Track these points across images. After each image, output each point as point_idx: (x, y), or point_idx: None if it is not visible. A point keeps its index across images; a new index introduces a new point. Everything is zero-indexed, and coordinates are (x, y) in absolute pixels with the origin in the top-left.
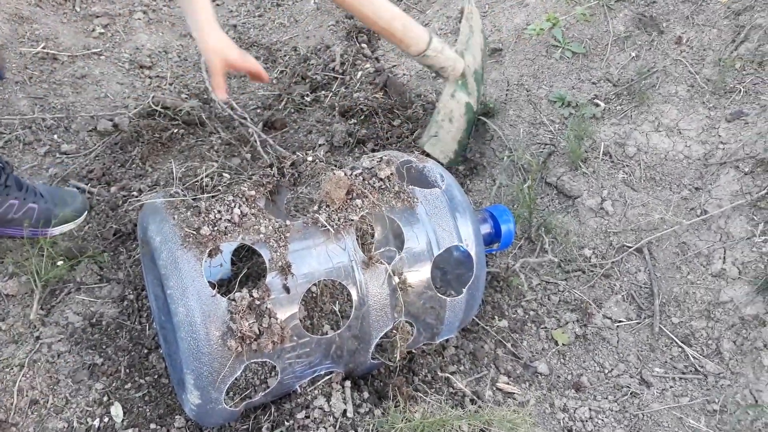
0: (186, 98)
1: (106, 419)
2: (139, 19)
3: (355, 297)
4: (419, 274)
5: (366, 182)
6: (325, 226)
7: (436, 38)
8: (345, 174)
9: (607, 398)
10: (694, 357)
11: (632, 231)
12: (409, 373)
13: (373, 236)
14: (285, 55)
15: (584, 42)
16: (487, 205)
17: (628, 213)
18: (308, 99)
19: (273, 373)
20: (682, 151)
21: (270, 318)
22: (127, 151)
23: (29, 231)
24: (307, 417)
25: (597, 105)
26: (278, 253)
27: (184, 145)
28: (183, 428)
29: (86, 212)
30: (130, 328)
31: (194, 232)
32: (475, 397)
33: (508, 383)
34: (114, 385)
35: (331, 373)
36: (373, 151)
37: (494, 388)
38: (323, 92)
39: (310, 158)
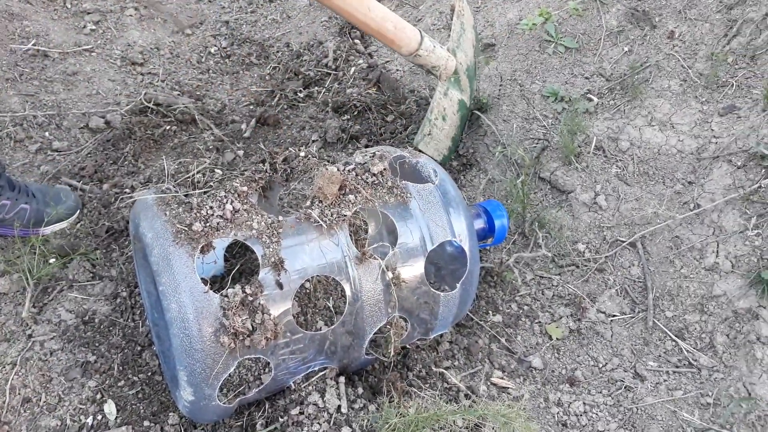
0: (178, 95)
1: (99, 417)
2: (131, 15)
3: (348, 292)
4: (413, 270)
5: (359, 177)
6: (318, 222)
7: (427, 37)
8: (338, 169)
9: (601, 392)
10: (687, 351)
11: (626, 225)
12: (403, 369)
13: (366, 231)
14: (278, 51)
15: (577, 37)
16: (480, 200)
17: (622, 207)
18: (301, 95)
19: (266, 369)
20: (675, 146)
21: (263, 314)
22: (119, 148)
23: (20, 231)
24: (302, 413)
25: (590, 100)
26: (271, 249)
27: (176, 142)
28: (177, 425)
29: (79, 210)
30: (123, 325)
31: (186, 229)
32: (469, 392)
33: (502, 378)
34: (107, 382)
35: (325, 368)
36: (367, 146)
37: (489, 383)
38: (316, 88)
39: (302, 153)
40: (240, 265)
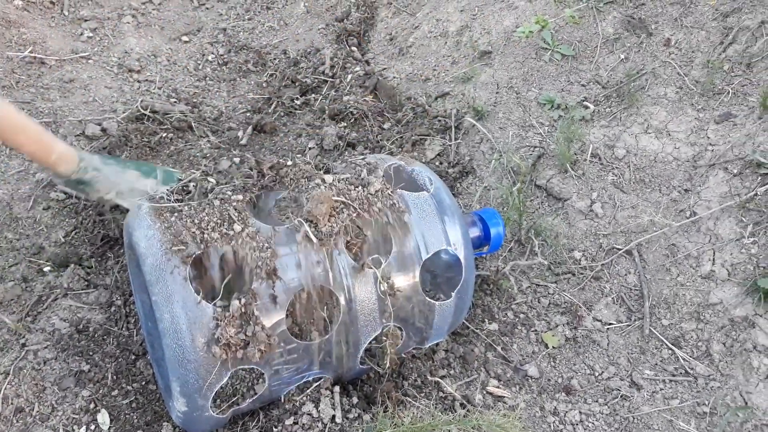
0: (175, 102)
1: (92, 427)
2: (128, 22)
3: (342, 302)
4: (408, 279)
5: (353, 188)
6: (310, 238)
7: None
8: (332, 183)
9: (597, 401)
10: (684, 359)
11: (622, 233)
12: (398, 378)
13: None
14: (275, 59)
15: (573, 44)
16: (476, 207)
17: (618, 215)
18: (298, 102)
19: (260, 380)
20: (671, 153)
21: (256, 325)
22: (115, 155)
23: None
24: (296, 423)
25: (586, 107)
26: (264, 259)
27: (173, 150)
28: None
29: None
30: (118, 334)
31: (179, 238)
32: (465, 401)
33: (498, 387)
34: (101, 392)
35: (319, 378)
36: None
37: (484, 392)
38: (313, 95)
39: (289, 162)
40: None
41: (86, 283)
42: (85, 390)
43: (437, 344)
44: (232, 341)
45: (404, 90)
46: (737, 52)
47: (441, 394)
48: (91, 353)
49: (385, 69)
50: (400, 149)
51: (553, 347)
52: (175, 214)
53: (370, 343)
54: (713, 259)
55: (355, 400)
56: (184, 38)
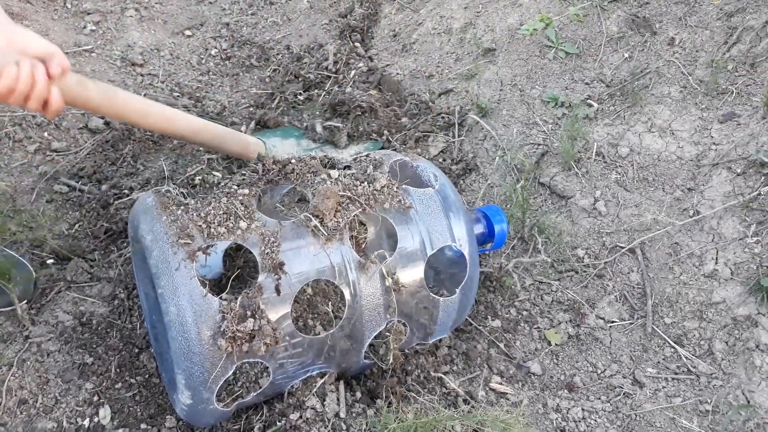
0: (178, 97)
1: (96, 419)
2: (131, 16)
3: (347, 297)
4: (412, 274)
5: (359, 183)
6: (318, 231)
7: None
8: (338, 178)
9: (599, 398)
10: (686, 357)
11: (625, 231)
12: (402, 373)
13: (366, 235)
14: (278, 54)
15: (577, 42)
16: (480, 204)
17: (621, 213)
18: (301, 97)
19: (265, 374)
20: (675, 152)
21: (262, 319)
22: (119, 149)
23: None
24: (300, 417)
25: (590, 105)
26: (270, 253)
27: (175, 144)
28: (174, 428)
29: (26, 300)
30: (121, 327)
31: (186, 231)
32: (468, 398)
33: (501, 383)
34: (104, 384)
35: (324, 373)
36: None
37: (487, 388)
38: (316, 91)
39: (293, 159)
40: (239, 268)
41: (90, 276)
42: (89, 383)
43: (440, 340)
44: (238, 334)
45: (408, 86)
46: (741, 52)
47: (444, 390)
48: (94, 346)
49: (388, 65)
50: (403, 146)
51: (555, 344)
52: (182, 207)
53: (375, 338)
54: (716, 258)
55: (358, 395)
56: (187, 32)
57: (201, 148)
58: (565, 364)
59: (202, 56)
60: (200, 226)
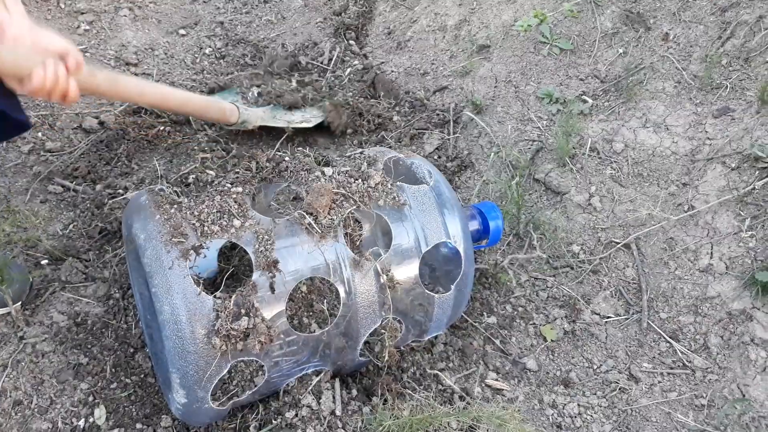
0: None
1: (91, 420)
2: (125, 15)
3: (342, 294)
4: (407, 271)
5: (353, 180)
6: (312, 227)
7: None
8: (332, 175)
9: (595, 394)
10: (682, 352)
11: (620, 227)
12: (397, 371)
13: (360, 233)
14: (273, 52)
15: (572, 38)
16: (475, 201)
17: (616, 209)
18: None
19: (260, 372)
20: (670, 147)
21: (256, 317)
22: (113, 148)
23: None
24: (296, 415)
25: (585, 101)
26: (265, 250)
27: (170, 143)
28: (170, 428)
29: (20, 301)
30: (116, 327)
31: (179, 230)
32: (463, 394)
33: (496, 380)
34: (99, 384)
35: (319, 371)
36: (361, 144)
37: (483, 385)
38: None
39: (287, 158)
40: (233, 266)
41: (84, 276)
42: (84, 383)
43: (436, 337)
44: (232, 333)
45: (402, 84)
46: (735, 47)
47: (440, 386)
48: (89, 346)
49: (383, 63)
50: (398, 143)
51: (551, 340)
52: (175, 206)
53: (370, 335)
54: (711, 253)
55: (354, 392)
56: (182, 31)
57: (196, 148)
58: (561, 359)
59: (196, 55)
60: (194, 224)
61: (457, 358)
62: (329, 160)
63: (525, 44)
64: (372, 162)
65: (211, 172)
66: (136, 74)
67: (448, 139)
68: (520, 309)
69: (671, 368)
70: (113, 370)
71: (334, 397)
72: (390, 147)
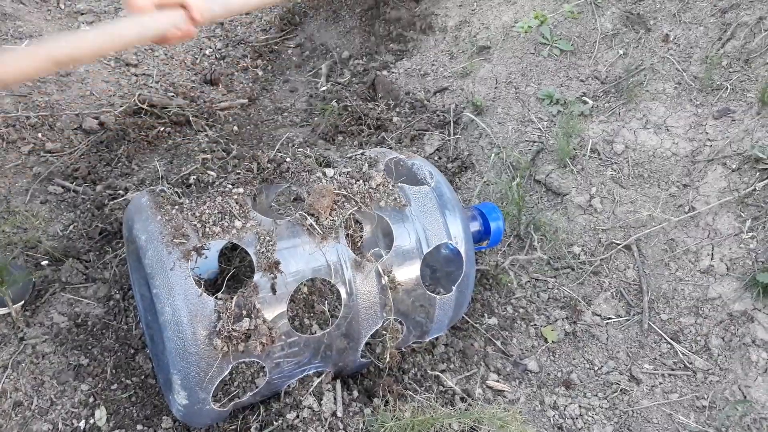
0: (173, 96)
1: (91, 421)
2: (125, 16)
3: (344, 295)
4: (409, 272)
5: (354, 181)
6: (314, 229)
7: None
8: (333, 176)
9: (596, 395)
10: (683, 353)
11: (621, 228)
12: (398, 372)
13: (362, 234)
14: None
15: (572, 39)
16: (476, 202)
17: (617, 210)
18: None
19: (261, 373)
20: (670, 148)
21: (257, 318)
22: (113, 149)
23: None
24: (297, 417)
25: (585, 102)
26: (266, 252)
27: (170, 144)
28: (170, 429)
29: (23, 301)
30: (117, 328)
31: (180, 231)
32: (465, 395)
33: (498, 381)
34: (100, 386)
35: (320, 372)
36: (361, 145)
37: (484, 386)
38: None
39: (288, 159)
40: (235, 267)
41: (84, 277)
42: (84, 384)
43: (437, 338)
44: (234, 334)
45: (402, 85)
46: (735, 48)
47: (441, 388)
48: (89, 347)
49: (384, 64)
50: (399, 144)
51: (552, 341)
52: (176, 207)
53: (371, 336)
54: (712, 254)
55: (355, 394)
56: None
57: (196, 149)
58: (562, 361)
59: (196, 56)
60: (195, 225)
61: (458, 359)
62: (330, 161)
63: (525, 45)
64: (373, 163)
65: (212, 173)
66: (135, 75)
67: (449, 140)
68: (521, 310)
69: (672, 369)
70: (114, 371)
71: (335, 399)
72: (390, 148)
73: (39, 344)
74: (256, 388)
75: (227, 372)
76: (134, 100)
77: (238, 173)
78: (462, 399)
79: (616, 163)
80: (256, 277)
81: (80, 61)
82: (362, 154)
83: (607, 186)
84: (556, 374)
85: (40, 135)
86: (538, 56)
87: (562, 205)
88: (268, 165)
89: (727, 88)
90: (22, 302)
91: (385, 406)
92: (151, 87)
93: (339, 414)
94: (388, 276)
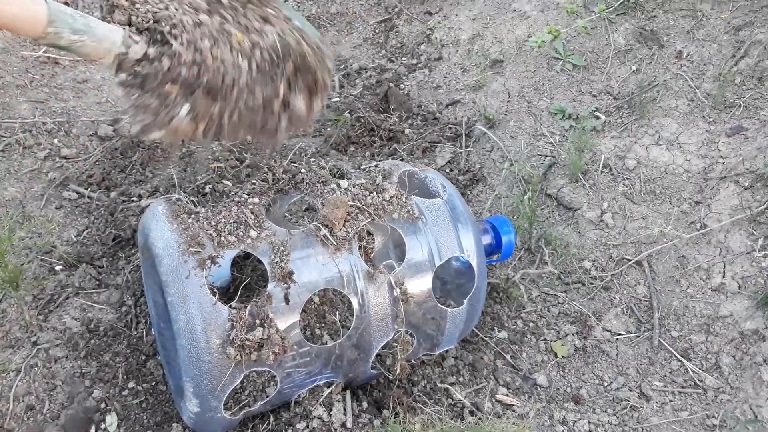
0: None
1: (102, 426)
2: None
3: (356, 306)
4: (420, 285)
5: (368, 193)
6: (328, 240)
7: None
8: (347, 188)
9: (606, 411)
10: (693, 371)
11: (632, 244)
12: (408, 384)
13: (374, 245)
14: None
15: (585, 55)
16: (487, 215)
17: (628, 226)
18: None
19: (272, 382)
20: (682, 165)
21: (270, 328)
22: (128, 156)
23: None
24: (307, 427)
25: (597, 117)
26: (280, 261)
27: (184, 151)
28: None
29: None
30: (128, 334)
31: (196, 239)
32: (474, 409)
33: (507, 395)
34: (111, 391)
35: (330, 383)
36: (373, 155)
37: (493, 400)
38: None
39: (303, 170)
40: (249, 277)
41: (97, 282)
42: (96, 389)
43: (447, 351)
44: (247, 343)
45: (415, 97)
46: (749, 66)
47: (450, 401)
48: (101, 353)
49: (397, 76)
50: (411, 156)
51: (562, 356)
52: (192, 215)
53: (382, 348)
54: (723, 272)
55: (365, 405)
56: None
57: (210, 157)
58: (572, 376)
59: None
60: (210, 234)
61: (467, 372)
62: (344, 173)
63: (538, 60)
64: (387, 175)
65: (227, 182)
66: None
67: (461, 153)
68: (531, 324)
69: (682, 387)
70: (125, 377)
71: (345, 409)
72: (402, 159)
73: (52, 349)
74: (267, 397)
75: (239, 381)
76: None
77: (254, 183)
78: (471, 412)
79: (628, 178)
80: (270, 286)
81: None
82: (376, 166)
83: (618, 201)
84: (565, 389)
85: (56, 141)
86: (551, 71)
87: (573, 220)
88: (283, 176)
89: (740, 105)
90: None
91: (394, 418)
92: None
93: (348, 425)
94: (400, 288)
